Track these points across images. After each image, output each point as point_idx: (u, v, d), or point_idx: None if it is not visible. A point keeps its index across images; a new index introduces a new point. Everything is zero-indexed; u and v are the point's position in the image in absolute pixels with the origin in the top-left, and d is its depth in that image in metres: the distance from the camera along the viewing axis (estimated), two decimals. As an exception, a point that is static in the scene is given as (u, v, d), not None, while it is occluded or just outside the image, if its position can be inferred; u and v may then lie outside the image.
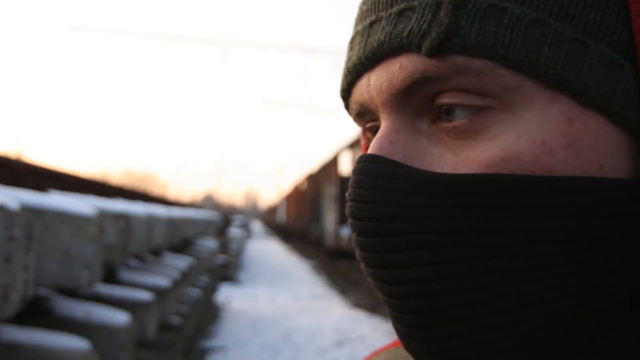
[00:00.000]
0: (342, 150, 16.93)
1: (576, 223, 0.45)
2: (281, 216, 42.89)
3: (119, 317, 2.94)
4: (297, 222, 29.97)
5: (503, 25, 0.46)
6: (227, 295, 11.45)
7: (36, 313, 2.44)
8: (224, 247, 14.35)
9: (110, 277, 3.79)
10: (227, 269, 13.64)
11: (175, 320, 5.46)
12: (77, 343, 2.36)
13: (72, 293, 3.06)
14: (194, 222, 8.98)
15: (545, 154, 0.46)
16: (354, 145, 14.56)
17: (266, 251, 27.00)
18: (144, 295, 3.67)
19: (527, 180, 0.45)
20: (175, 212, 7.47)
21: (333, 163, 18.10)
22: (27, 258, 1.75)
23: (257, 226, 71.67)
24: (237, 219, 29.81)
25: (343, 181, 16.75)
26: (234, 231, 19.83)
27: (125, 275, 4.04)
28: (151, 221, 4.39)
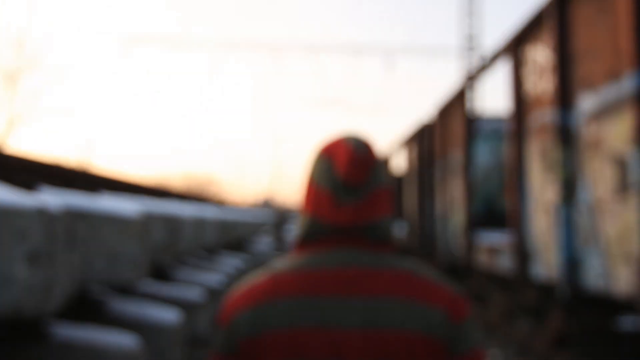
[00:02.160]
0: (394, 149, 16.85)
1: None
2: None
3: (170, 315, 3.00)
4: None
5: None
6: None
7: (88, 310, 2.53)
8: (280, 244, 14.47)
9: (162, 275, 3.87)
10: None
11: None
12: (128, 340, 2.43)
13: (125, 291, 3.15)
14: (248, 221, 9.10)
15: None
16: (406, 144, 14.46)
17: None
18: (196, 293, 3.73)
19: None
20: (229, 212, 7.59)
21: (385, 162, 18.05)
22: (70, 255, 1.81)
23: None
24: (294, 216, 29.98)
25: (395, 179, 16.70)
26: (291, 228, 19.96)
27: (178, 273, 4.12)
28: (201, 221, 4.47)
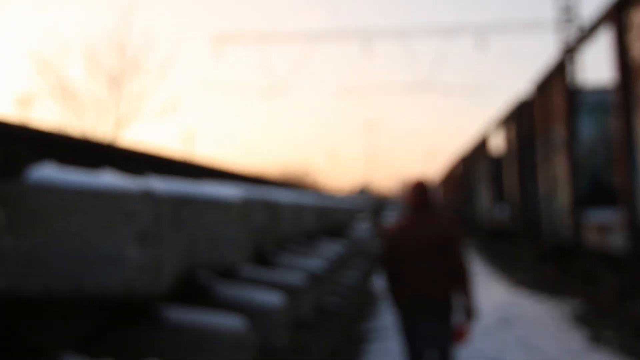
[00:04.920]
0: (491, 130, 16.36)
1: None
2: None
3: (274, 298, 3.05)
4: (451, 203, 29.49)
5: None
6: (384, 278, 11.52)
7: (194, 293, 2.61)
8: (379, 230, 14.44)
9: (264, 260, 3.95)
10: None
11: (332, 301, 5.59)
12: (236, 322, 2.48)
13: (228, 276, 3.23)
14: (345, 208, 9.13)
15: None
16: (503, 123, 14.00)
17: (423, 234, 26.80)
18: (298, 277, 3.77)
19: None
20: (327, 199, 7.65)
21: (483, 143, 17.55)
22: (177, 237, 1.87)
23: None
24: (392, 203, 29.91)
25: (494, 161, 16.20)
26: (389, 214, 19.90)
27: (279, 258, 4.19)
28: (300, 207, 4.52)
